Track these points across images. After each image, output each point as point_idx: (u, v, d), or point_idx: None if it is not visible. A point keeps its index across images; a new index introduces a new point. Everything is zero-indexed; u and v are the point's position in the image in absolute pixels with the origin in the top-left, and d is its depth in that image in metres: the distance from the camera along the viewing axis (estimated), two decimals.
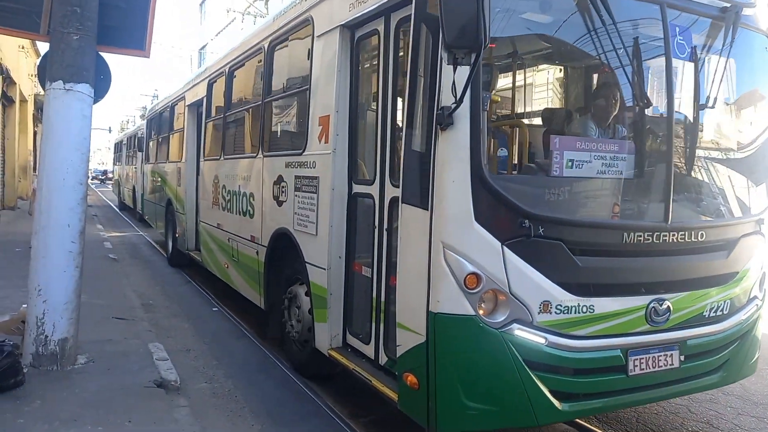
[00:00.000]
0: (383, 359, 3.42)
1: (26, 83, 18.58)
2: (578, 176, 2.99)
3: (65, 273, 4.29)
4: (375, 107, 3.65)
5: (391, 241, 3.37)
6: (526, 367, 2.76)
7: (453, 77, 2.49)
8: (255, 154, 5.39)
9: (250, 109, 5.88)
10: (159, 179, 10.80)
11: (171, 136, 10.07)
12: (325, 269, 3.93)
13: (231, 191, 6.15)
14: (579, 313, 2.89)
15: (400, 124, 3.28)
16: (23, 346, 4.30)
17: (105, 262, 9.27)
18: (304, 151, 4.31)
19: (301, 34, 4.61)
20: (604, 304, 2.98)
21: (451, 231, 2.67)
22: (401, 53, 3.37)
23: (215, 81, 7.17)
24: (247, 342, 5.70)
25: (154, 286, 8.23)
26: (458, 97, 2.50)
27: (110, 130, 38.55)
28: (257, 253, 5.31)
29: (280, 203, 4.77)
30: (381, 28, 3.50)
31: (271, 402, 4.25)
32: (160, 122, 11.25)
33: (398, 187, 3.16)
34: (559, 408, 2.87)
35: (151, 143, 12.32)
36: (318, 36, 4.17)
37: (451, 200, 2.66)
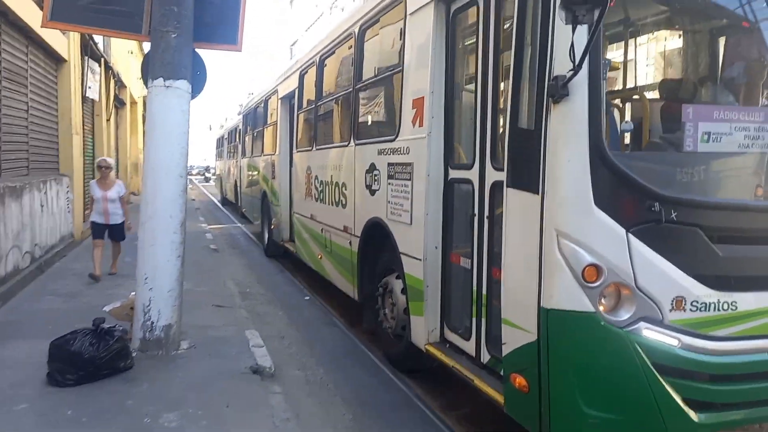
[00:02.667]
0: (486, 357, 3.17)
1: (136, 86, 19.90)
2: (716, 151, 2.57)
3: (168, 262, 4.43)
4: (473, 85, 3.38)
5: (493, 229, 3.10)
6: (655, 371, 2.41)
7: (572, 38, 2.17)
8: (346, 143, 5.29)
9: (341, 98, 5.79)
10: (255, 172, 11.11)
11: (265, 129, 10.30)
12: (420, 260, 3.73)
13: (323, 182, 6.11)
14: (719, 310, 2.49)
15: (503, 102, 3.00)
16: (132, 331, 4.50)
17: (206, 252, 9.69)
18: (396, 136, 4.13)
19: (392, 14, 4.41)
20: (748, 300, 2.55)
21: (567, 217, 2.36)
22: (504, 24, 3.07)
23: (306, 72, 7.17)
24: (337, 331, 5.67)
25: (251, 275, 8.46)
26: (577, 62, 2.18)
27: (210, 128, 40.60)
28: (350, 243, 5.22)
29: (372, 192, 4.63)
30: None
31: (361, 391, 4.19)
32: (255, 117, 11.56)
33: (502, 170, 2.89)
34: (695, 420, 2.48)
35: (247, 138, 12.72)
36: (411, 13, 3.96)
37: (567, 182, 2.35)
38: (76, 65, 9.70)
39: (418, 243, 3.76)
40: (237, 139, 16.39)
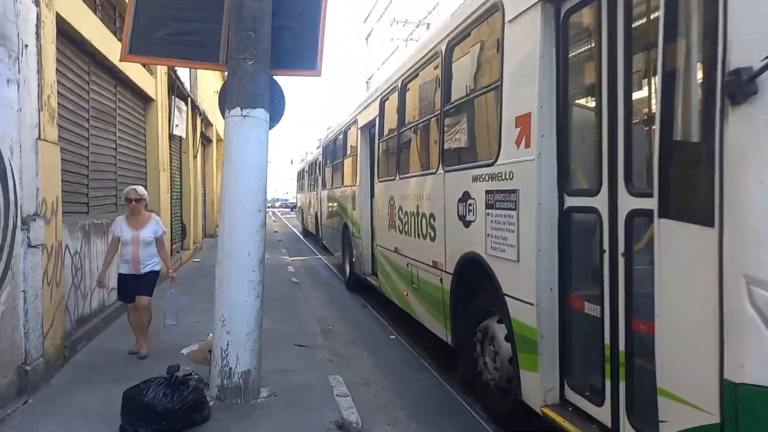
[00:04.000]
0: (627, 431, 2.52)
1: (221, 124, 20.59)
2: None
3: (246, 303, 4.10)
4: (595, 96, 2.82)
5: (631, 270, 2.49)
6: None
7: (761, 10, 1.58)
8: (434, 170, 4.82)
9: (427, 122, 5.36)
10: (335, 204, 10.89)
11: (345, 160, 10.08)
12: (532, 304, 3.14)
13: (408, 212, 5.66)
14: None
15: (641, 112, 2.41)
16: (210, 377, 4.19)
17: (288, 285, 9.52)
18: (496, 160, 3.61)
19: (487, 25, 3.95)
20: None
21: (762, 258, 1.74)
22: (636, 18, 2.51)
23: (387, 98, 6.83)
24: (428, 378, 5.11)
25: (333, 310, 8.13)
26: None
27: (292, 162, 41.74)
28: (441, 280, 4.69)
29: (467, 224, 4.10)
30: None
31: None
32: (334, 148, 11.42)
33: (644, 196, 2.30)
34: None
35: (327, 169, 12.61)
36: (510, 21, 3.47)
37: (760, 211, 1.73)
38: (163, 104, 9.96)
39: (528, 283, 3.18)
40: (317, 172, 16.45)
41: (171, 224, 11.42)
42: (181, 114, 12.08)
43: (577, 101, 3.14)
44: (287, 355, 5.37)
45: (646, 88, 2.68)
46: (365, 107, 8.19)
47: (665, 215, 2.08)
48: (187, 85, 12.34)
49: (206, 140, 17.66)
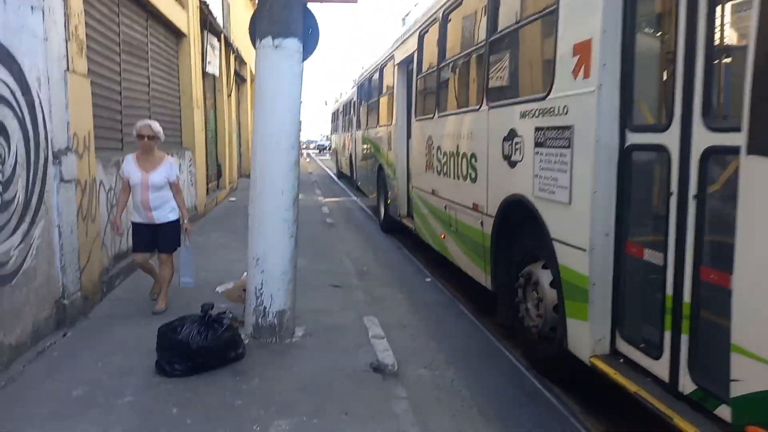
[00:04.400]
0: (688, 387, 2.33)
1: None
2: None
3: (281, 242, 4.00)
4: (670, 17, 2.48)
5: (703, 214, 2.23)
6: None
7: None
8: (477, 107, 4.52)
9: (471, 55, 5.00)
10: (370, 145, 10.65)
11: (380, 99, 9.75)
12: (584, 250, 2.92)
13: (447, 153, 5.40)
14: None
15: (725, 39, 2.08)
16: (244, 316, 4.15)
17: (323, 226, 9.47)
18: (548, 93, 3.30)
19: None
20: None
21: None
22: None
23: (426, 31, 6.43)
24: (466, 322, 4.99)
25: (367, 251, 8.04)
26: None
27: (326, 103, 41.23)
28: (481, 224, 4.48)
29: (512, 164, 3.84)
30: None
31: (502, 403, 3.48)
32: (369, 87, 11.06)
33: (723, 131, 2.03)
34: None
35: (362, 109, 12.30)
36: None
37: None
38: (195, 39, 9.72)
39: (580, 228, 2.95)
40: (351, 112, 16.12)
41: (207, 163, 11.40)
42: (214, 51, 11.82)
43: (646, 25, 2.78)
44: (323, 295, 5.32)
45: (733, 7, 2.33)
46: (403, 42, 7.78)
47: (757, 151, 1.80)
48: (219, 20, 12.01)
49: (240, 79, 17.42)
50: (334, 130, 23.44)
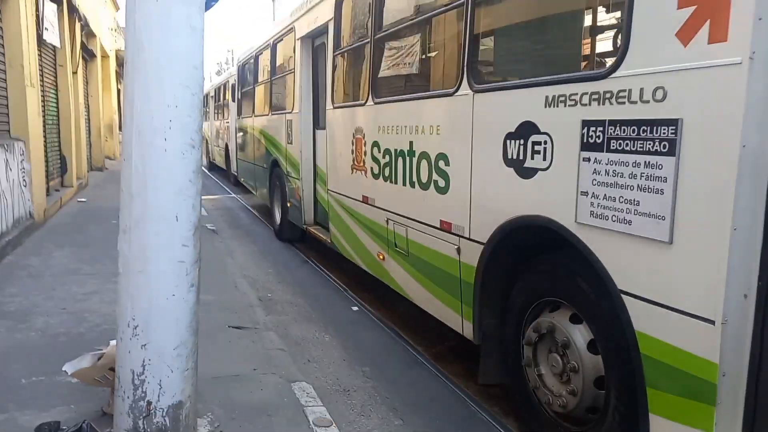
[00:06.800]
0: None
1: (107, 37, 17.34)
2: None
3: (174, 297, 2.47)
4: None
5: None
6: None
7: None
8: (452, 90, 3.28)
9: (434, 15, 3.73)
10: (259, 136, 9.01)
11: (273, 82, 8.17)
12: (708, 321, 1.82)
13: (392, 151, 4.12)
14: None
15: None
16: (114, 414, 2.58)
17: (204, 234, 7.70)
18: (616, 68, 2.16)
19: None
20: None
21: None
22: None
23: None
24: (427, 376, 3.80)
25: (266, 268, 6.55)
26: None
27: (219, 73, 37.20)
28: (458, 251, 3.28)
29: (525, 172, 2.67)
30: None
31: None
32: (256, 67, 9.38)
33: None
34: None
35: (244, 94, 10.55)
36: None
37: None
38: None
39: (698, 284, 1.85)
40: (227, 97, 14.17)
41: (46, 156, 9.01)
42: (54, 14, 9.37)
43: None
44: (223, 346, 3.86)
45: None
46: (308, 11, 6.33)
47: None
48: None
49: (89, 54, 14.61)
50: (204, 116, 21.03)
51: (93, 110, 15.52)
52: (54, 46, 9.89)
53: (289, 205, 7.37)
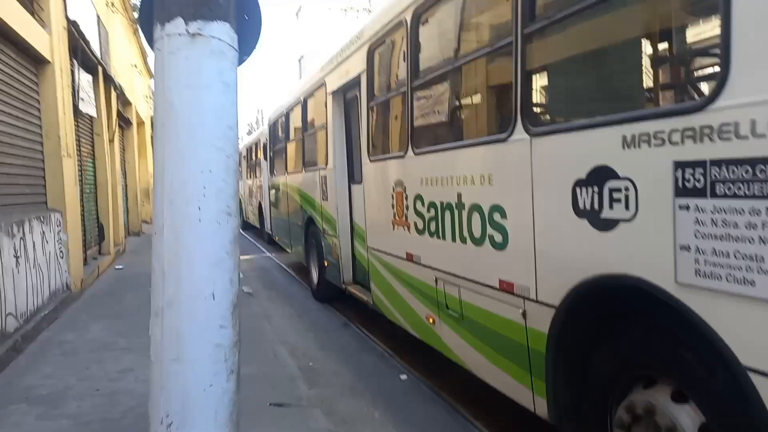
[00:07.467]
0: None
1: (142, 104, 17.89)
2: None
3: (212, 388, 2.17)
4: None
5: None
6: None
7: None
8: (505, 135, 2.99)
9: (482, 56, 3.48)
10: (293, 193, 8.87)
11: (305, 138, 8.07)
12: None
13: (440, 204, 3.82)
14: None
15: None
16: None
17: (240, 297, 7.46)
18: (717, 97, 1.83)
19: None
20: None
21: None
22: None
23: (382, 42, 4.93)
24: None
25: (305, 332, 6.20)
26: None
27: (249, 132, 38.01)
28: (523, 314, 2.91)
29: (601, 224, 2.32)
30: None
31: None
32: (287, 124, 9.35)
33: None
34: None
35: (275, 151, 10.52)
36: None
37: None
38: (63, 68, 7.56)
39: None
40: (259, 156, 14.27)
41: (84, 225, 9.03)
42: (90, 85, 9.60)
43: None
44: (264, 428, 3.49)
45: None
46: (338, 64, 6.23)
47: None
48: (96, 48, 9.82)
49: (125, 122, 14.99)
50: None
51: (130, 176, 15.83)
52: (91, 117, 10.09)
53: (326, 263, 7.09)
